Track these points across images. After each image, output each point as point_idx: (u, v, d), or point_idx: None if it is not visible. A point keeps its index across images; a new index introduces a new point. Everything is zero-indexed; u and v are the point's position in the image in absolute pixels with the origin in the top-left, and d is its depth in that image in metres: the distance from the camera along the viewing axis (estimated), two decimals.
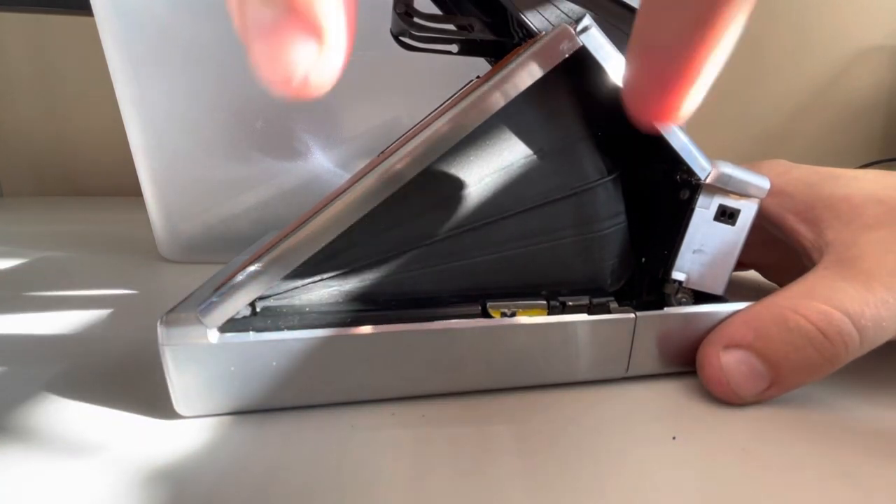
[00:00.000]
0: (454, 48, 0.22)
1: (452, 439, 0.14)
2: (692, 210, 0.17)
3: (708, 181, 0.16)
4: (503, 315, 0.16)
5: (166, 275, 0.30)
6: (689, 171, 0.17)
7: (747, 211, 0.17)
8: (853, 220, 0.17)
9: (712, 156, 0.16)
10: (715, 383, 0.16)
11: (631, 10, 0.17)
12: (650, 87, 0.09)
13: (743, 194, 0.17)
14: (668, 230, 0.17)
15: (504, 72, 0.14)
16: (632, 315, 0.17)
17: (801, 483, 0.13)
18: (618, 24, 0.17)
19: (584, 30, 0.14)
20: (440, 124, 0.14)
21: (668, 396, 0.17)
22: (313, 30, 0.08)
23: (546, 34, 0.14)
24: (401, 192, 0.13)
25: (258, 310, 0.15)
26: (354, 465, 0.13)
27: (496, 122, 0.14)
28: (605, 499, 0.12)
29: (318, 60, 0.09)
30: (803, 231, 0.18)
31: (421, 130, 0.15)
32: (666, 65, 0.09)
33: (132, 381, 0.17)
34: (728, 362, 0.16)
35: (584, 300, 0.16)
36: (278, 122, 0.29)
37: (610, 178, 0.17)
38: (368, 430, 0.14)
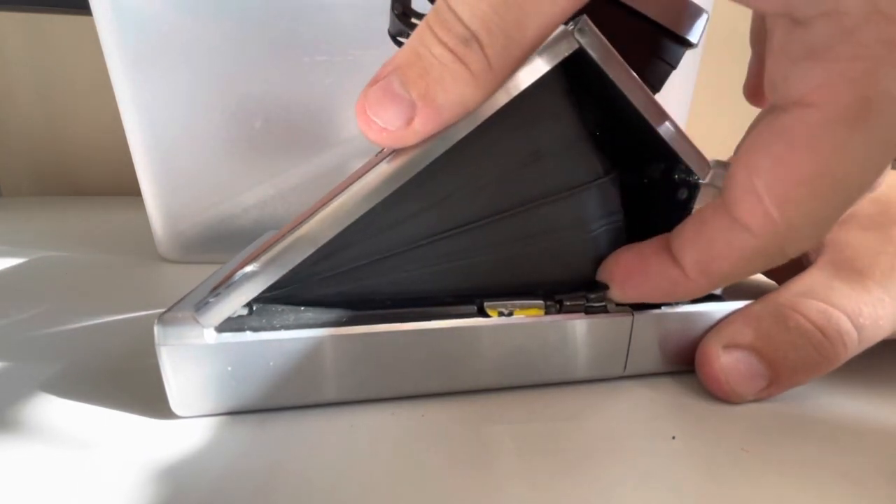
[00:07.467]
0: None
1: (452, 439, 0.14)
2: (691, 210, 0.17)
3: (707, 181, 0.16)
4: (500, 314, 0.16)
5: (165, 275, 0.30)
6: (688, 171, 0.16)
7: None
8: (848, 220, 0.17)
9: (711, 155, 0.16)
10: (714, 382, 0.16)
11: (628, 10, 0.17)
12: None
13: None
14: (667, 230, 0.17)
15: None
16: (629, 314, 0.17)
17: (800, 483, 0.13)
18: (616, 25, 0.16)
19: (582, 31, 0.14)
20: None
21: (666, 395, 0.17)
22: (413, 114, 0.12)
23: None
24: (398, 192, 0.13)
25: (255, 309, 0.15)
26: (354, 464, 0.13)
27: (494, 123, 0.14)
28: (605, 498, 0.12)
29: (402, 130, 0.12)
30: None
31: None
32: None
33: (129, 382, 0.16)
34: (727, 362, 0.16)
35: (582, 299, 0.16)
36: (278, 121, 0.29)
37: (607, 177, 0.17)
38: (368, 430, 0.14)
